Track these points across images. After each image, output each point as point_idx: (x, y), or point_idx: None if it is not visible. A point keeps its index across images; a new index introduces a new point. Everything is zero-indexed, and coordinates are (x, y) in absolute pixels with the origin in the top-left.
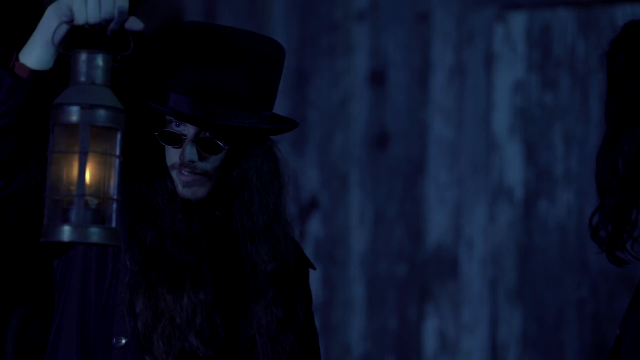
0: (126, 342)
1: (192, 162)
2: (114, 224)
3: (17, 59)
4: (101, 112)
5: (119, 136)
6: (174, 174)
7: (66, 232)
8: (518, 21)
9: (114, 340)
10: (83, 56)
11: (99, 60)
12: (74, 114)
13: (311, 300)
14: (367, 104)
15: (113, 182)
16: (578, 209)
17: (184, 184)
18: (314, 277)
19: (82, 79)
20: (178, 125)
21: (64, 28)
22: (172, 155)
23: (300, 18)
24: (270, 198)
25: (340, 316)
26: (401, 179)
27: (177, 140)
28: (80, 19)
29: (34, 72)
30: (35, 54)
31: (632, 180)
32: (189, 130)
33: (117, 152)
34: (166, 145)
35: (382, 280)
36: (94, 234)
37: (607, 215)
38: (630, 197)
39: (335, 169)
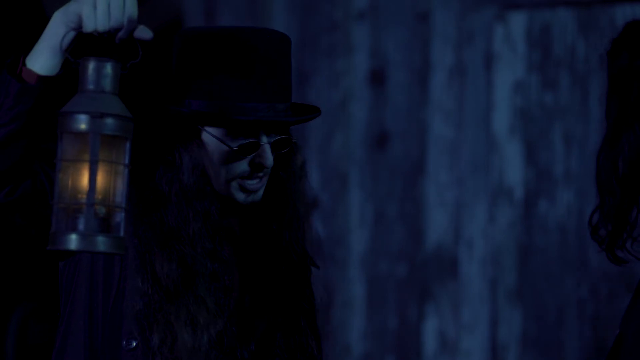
0: (137, 344)
1: (269, 166)
2: (121, 233)
3: (24, 64)
4: (111, 121)
5: (127, 145)
6: (236, 183)
7: (74, 241)
8: (518, 21)
9: (124, 343)
10: (92, 64)
11: (108, 69)
12: (83, 123)
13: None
14: (367, 104)
15: (121, 191)
16: (578, 209)
17: (251, 191)
18: (314, 277)
19: (91, 87)
20: (246, 135)
21: (72, 35)
22: (238, 165)
23: (300, 18)
24: (301, 185)
25: (340, 316)
26: (401, 179)
27: (254, 148)
28: (89, 27)
29: (41, 78)
30: (42, 60)
31: (632, 179)
32: (261, 134)
33: (126, 161)
34: (234, 157)
35: (382, 280)
36: (102, 242)
37: (607, 214)
38: (630, 197)
39: (335, 169)
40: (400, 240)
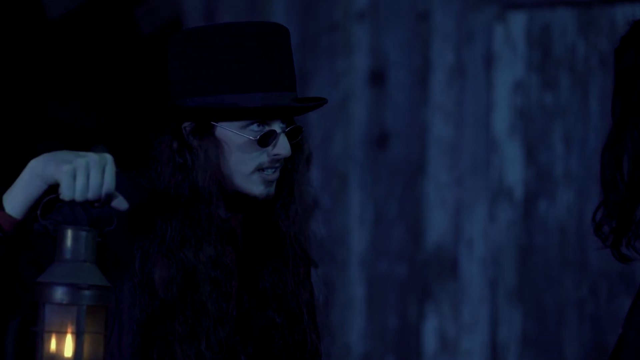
0: None
1: (288, 154)
2: None
3: (2, 208)
4: (93, 292)
5: (106, 313)
6: (256, 176)
7: None
8: (518, 21)
9: None
10: (69, 233)
11: (85, 238)
12: (67, 295)
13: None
14: (367, 104)
15: (100, 358)
16: (578, 209)
17: (269, 182)
18: (314, 277)
19: (69, 256)
20: (259, 125)
21: (46, 188)
22: (257, 156)
23: (300, 18)
24: (305, 179)
25: (340, 316)
26: (401, 179)
27: (273, 138)
28: (66, 196)
29: (16, 224)
30: (16, 209)
31: (636, 176)
32: (276, 124)
33: (105, 330)
34: (253, 149)
35: (382, 280)
36: None
37: (610, 211)
38: (634, 194)
39: (335, 169)
40: (400, 240)
